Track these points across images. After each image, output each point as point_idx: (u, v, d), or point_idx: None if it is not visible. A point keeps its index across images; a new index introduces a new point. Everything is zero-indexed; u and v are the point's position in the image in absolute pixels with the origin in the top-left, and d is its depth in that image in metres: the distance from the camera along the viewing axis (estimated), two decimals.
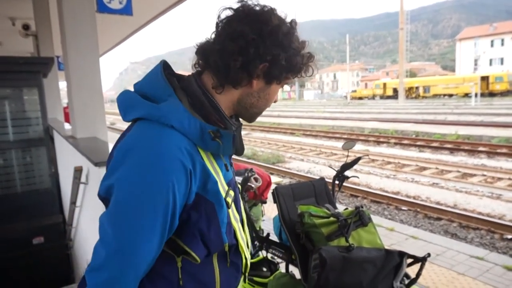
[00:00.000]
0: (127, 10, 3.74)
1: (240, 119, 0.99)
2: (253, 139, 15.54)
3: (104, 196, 0.78)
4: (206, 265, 0.89)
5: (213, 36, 0.86)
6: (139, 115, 0.81)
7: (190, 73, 0.92)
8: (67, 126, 4.43)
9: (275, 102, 0.95)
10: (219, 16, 0.85)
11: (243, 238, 0.98)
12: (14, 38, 7.45)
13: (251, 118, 0.95)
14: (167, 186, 0.74)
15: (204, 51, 0.87)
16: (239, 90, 0.88)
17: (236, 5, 0.85)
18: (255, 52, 0.82)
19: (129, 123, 0.86)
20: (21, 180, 4.38)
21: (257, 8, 0.84)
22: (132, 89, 0.88)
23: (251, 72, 0.84)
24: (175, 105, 0.81)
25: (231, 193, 0.90)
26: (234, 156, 1.00)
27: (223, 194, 0.86)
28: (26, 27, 6.40)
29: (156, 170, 0.73)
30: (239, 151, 0.91)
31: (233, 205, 0.91)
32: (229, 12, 0.85)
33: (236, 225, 0.93)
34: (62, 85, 7.94)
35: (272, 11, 0.85)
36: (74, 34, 3.17)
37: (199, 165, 0.80)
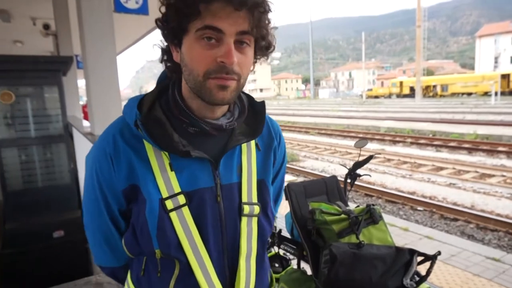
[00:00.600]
0: (143, 9, 3.81)
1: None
2: None
3: None
4: (156, 265, 0.81)
5: None
6: None
7: None
8: (85, 123, 4.55)
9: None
10: None
11: (203, 259, 0.79)
12: (35, 38, 7.67)
13: (202, 94, 0.75)
14: (92, 167, 0.82)
15: None
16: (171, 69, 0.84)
17: None
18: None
19: None
20: (42, 176, 4.52)
21: None
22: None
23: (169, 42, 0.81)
24: (139, 97, 0.83)
25: (181, 199, 0.77)
26: None
27: (163, 194, 0.77)
28: (46, 26, 6.58)
29: (90, 154, 0.84)
30: (164, 146, 0.76)
31: (184, 214, 0.77)
32: None
33: (187, 240, 0.77)
34: (81, 83, 8.13)
35: None
36: (92, 33, 3.26)
37: (124, 153, 0.77)
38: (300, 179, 8.25)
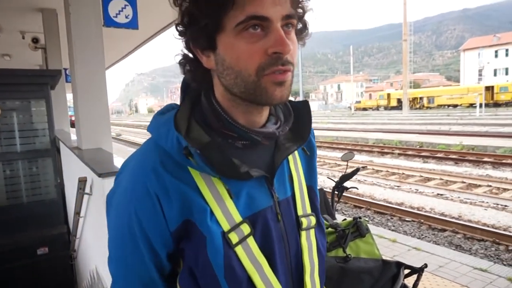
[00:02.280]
0: (133, 24, 3.84)
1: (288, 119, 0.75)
2: None
3: None
4: None
5: None
6: (148, 129, 0.71)
7: None
8: (73, 137, 4.51)
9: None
10: None
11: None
12: (23, 51, 7.63)
13: (250, 95, 0.64)
14: (127, 213, 0.64)
15: None
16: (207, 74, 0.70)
17: None
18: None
19: None
20: (27, 191, 4.44)
21: None
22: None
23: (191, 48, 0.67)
24: (169, 115, 0.68)
25: (245, 229, 0.66)
26: None
27: (224, 227, 0.64)
28: (35, 40, 6.56)
29: (119, 197, 0.67)
30: (228, 173, 0.64)
31: (250, 245, 0.67)
32: None
33: (258, 275, 0.67)
34: (70, 97, 8.08)
35: None
36: (81, 47, 3.26)
37: (173, 187, 0.63)
38: None
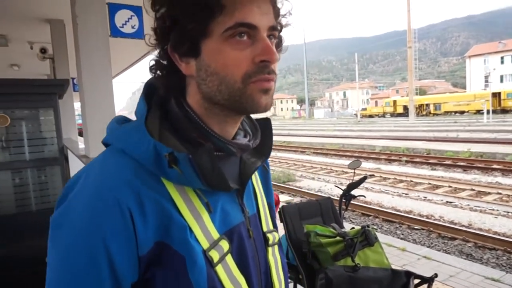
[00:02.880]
0: (139, 34, 3.89)
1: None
2: None
3: None
4: None
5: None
6: (104, 140, 0.66)
7: None
8: (81, 145, 4.55)
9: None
10: None
11: None
12: (32, 61, 7.75)
13: (234, 103, 0.61)
14: (91, 236, 0.53)
15: None
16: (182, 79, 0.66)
17: None
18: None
19: None
20: (35, 199, 4.47)
21: None
22: None
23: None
24: (137, 123, 0.62)
25: (224, 245, 0.61)
26: None
27: (204, 245, 0.58)
28: (43, 50, 6.66)
29: (80, 216, 0.54)
30: (216, 183, 0.59)
31: (229, 263, 0.62)
32: None
33: None
34: (77, 105, 8.17)
35: None
36: (88, 57, 3.30)
37: (151, 202, 0.55)
38: (297, 199, 8.20)
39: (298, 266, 1.66)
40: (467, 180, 9.05)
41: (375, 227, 6.26)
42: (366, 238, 1.67)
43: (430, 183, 8.79)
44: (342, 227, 1.83)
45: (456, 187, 8.23)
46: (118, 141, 0.62)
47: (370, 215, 6.82)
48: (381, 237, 5.03)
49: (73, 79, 6.70)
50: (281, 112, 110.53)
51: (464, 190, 7.99)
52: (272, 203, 0.82)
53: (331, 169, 11.70)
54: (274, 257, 0.75)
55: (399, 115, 47.89)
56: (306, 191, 8.77)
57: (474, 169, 10.31)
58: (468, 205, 7.06)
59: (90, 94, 3.35)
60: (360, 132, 24.44)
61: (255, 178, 0.78)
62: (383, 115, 52.16)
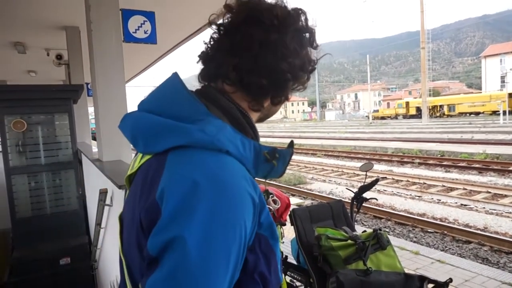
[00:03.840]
0: (151, 39, 3.95)
1: None
2: None
3: (157, 254, 0.56)
4: None
5: (235, 47, 0.71)
6: (179, 142, 0.63)
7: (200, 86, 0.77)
8: (94, 149, 4.63)
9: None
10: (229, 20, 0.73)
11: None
12: (48, 67, 7.93)
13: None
14: (240, 228, 0.59)
15: (233, 67, 0.71)
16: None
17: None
18: (296, 64, 0.74)
19: (151, 155, 0.68)
20: (50, 202, 4.56)
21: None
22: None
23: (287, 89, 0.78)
24: (222, 126, 0.65)
25: (278, 229, 0.70)
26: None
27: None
28: (59, 57, 6.81)
29: (230, 211, 0.58)
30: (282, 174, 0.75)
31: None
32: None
33: None
34: (91, 110, 8.31)
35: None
36: (102, 62, 3.37)
37: (259, 199, 0.64)
38: (308, 201, 8.16)
39: (309, 270, 1.65)
40: (482, 182, 8.87)
41: (387, 230, 6.18)
42: (378, 242, 1.65)
43: (444, 186, 8.65)
44: (353, 230, 1.82)
45: (471, 190, 8.07)
46: (219, 143, 0.63)
47: (382, 218, 6.74)
48: (393, 240, 4.96)
49: (87, 84, 6.83)
50: (292, 114, 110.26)
51: (479, 192, 7.83)
52: None
53: (343, 171, 11.61)
54: None
55: (412, 116, 47.23)
56: (317, 193, 8.73)
57: (490, 171, 10.10)
58: (484, 208, 6.91)
59: (103, 98, 3.41)
60: (372, 134, 24.19)
61: None
62: (396, 116, 51.53)
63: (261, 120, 0.81)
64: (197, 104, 0.67)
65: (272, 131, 38.60)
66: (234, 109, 0.72)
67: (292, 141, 0.77)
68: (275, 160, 0.69)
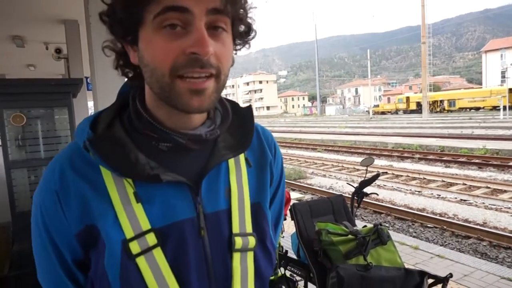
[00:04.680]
0: None
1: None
2: None
3: None
4: None
5: None
6: None
7: None
8: None
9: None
10: None
11: None
12: (47, 61, 7.89)
13: (170, 99, 0.58)
14: (37, 209, 0.63)
15: None
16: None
17: None
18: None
19: None
20: None
21: None
22: None
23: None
24: (96, 113, 0.67)
25: (150, 239, 0.58)
26: None
27: (127, 234, 0.58)
28: (58, 50, 6.77)
29: (35, 193, 0.66)
30: (124, 168, 0.59)
31: (157, 258, 0.59)
32: None
33: None
34: (91, 104, 8.29)
35: None
36: (102, 56, 3.33)
37: (75, 186, 0.60)
38: (308, 196, 8.18)
39: (309, 264, 1.66)
40: (482, 177, 8.88)
41: (387, 225, 6.20)
42: (378, 237, 1.66)
43: (443, 181, 8.66)
44: (354, 225, 1.82)
45: (470, 185, 8.08)
46: (75, 130, 0.67)
47: (382, 213, 6.75)
48: (393, 235, 4.98)
49: (86, 78, 6.80)
50: (292, 109, 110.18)
51: (479, 188, 7.84)
52: (263, 204, 0.71)
53: (343, 166, 11.62)
54: (244, 265, 0.65)
55: (412, 111, 47.20)
56: (318, 188, 8.74)
57: (490, 166, 10.11)
58: (483, 203, 6.93)
59: (103, 92, 3.39)
60: (372, 129, 24.18)
61: (236, 173, 0.69)
62: (396, 111, 51.49)
63: (165, 98, 0.61)
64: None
65: (272, 125, 38.59)
66: (124, 92, 0.72)
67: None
68: (91, 153, 0.60)
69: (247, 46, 0.67)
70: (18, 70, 9.93)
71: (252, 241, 0.66)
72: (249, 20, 0.63)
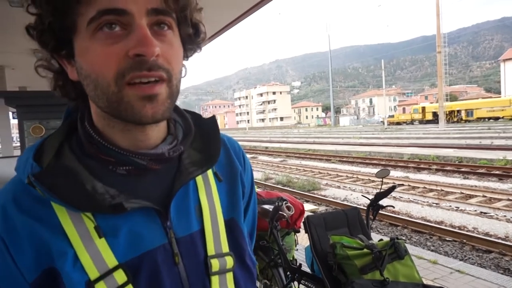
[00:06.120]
0: None
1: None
2: (288, 166, 15.47)
3: None
4: None
5: None
6: None
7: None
8: None
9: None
10: None
11: None
12: None
13: (114, 109, 0.53)
14: None
15: None
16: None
17: None
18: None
19: None
20: None
21: None
22: None
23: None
24: (34, 144, 0.58)
25: (119, 277, 0.52)
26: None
27: (91, 275, 0.51)
28: None
29: None
30: (82, 201, 0.52)
31: None
32: None
33: None
34: None
35: None
36: None
37: (25, 228, 0.51)
38: (322, 208, 8.07)
39: (323, 279, 1.62)
40: (503, 189, 8.60)
41: (403, 238, 6.04)
42: (395, 251, 1.61)
43: (462, 193, 8.42)
44: (369, 238, 1.77)
45: (491, 197, 7.83)
46: (16, 163, 0.57)
47: (399, 226, 6.60)
48: (410, 248, 4.84)
49: None
50: (306, 120, 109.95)
51: (500, 200, 7.59)
52: (238, 219, 0.66)
53: (358, 177, 11.45)
54: None
55: (428, 122, 46.43)
56: (332, 199, 8.61)
57: (511, 178, 9.79)
58: (505, 216, 6.69)
59: None
60: (387, 140, 23.85)
61: (205, 190, 0.64)
62: (411, 122, 50.76)
63: (114, 111, 0.54)
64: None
65: (286, 136, 38.52)
66: (72, 114, 0.65)
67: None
68: (37, 188, 0.52)
69: (198, 50, 0.62)
70: (39, 82, 10.27)
71: (230, 261, 0.62)
72: (196, 20, 0.58)
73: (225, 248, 0.62)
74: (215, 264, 0.59)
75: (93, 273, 0.51)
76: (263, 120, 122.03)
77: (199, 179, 0.64)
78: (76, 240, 0.52)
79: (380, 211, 2.23)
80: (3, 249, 0.51)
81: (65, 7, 0.49)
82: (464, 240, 5.59)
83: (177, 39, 0.55)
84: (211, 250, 0.60)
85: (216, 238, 0.62)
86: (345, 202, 8.33)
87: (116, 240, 0.53)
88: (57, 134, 0.58)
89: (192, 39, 0.59)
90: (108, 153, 0.56)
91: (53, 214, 0.53)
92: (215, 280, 0.59)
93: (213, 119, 0.68)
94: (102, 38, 0.49)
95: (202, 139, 0.65)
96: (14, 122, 10.07)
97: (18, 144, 4.43)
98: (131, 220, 0.55)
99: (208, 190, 0.64)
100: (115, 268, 0.52)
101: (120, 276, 0.52)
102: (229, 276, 0.61)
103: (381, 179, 2.24)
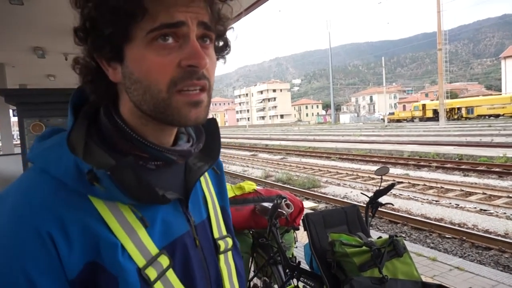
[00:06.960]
0: None
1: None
2: (288, 163, 15.48)
3: None
4: None
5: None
6: (27, 157, 0.59)
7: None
8: None
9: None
10: None
11: None
12: (66, 72, 8.12)
13: (163, 114, 0.57)
14: (13, 275, 0.48)
15: None
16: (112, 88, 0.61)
17: None
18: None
19: None
20: None
21: None
22: None
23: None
24: (60, 137, 0.58)
25: (163, 261, 0.58)
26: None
27: (139, 263, 0.54)
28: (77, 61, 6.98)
29: (1, 249, 0.49)
30: (146, 196, 0.56)
31: (170, 279, 0.58)
32: None
33: None
34: None
35: None
36: None
37: (74, 223, 0.51)
38: (322, 205, 8.09)
39: (322, 276, 1.62)
40: (503, 187, 8.61)
41: (403, 235, 6.06)
42: (394, 248, 1.61)
43: (462, 190, 8.43)
44: (368, 236, 1.78)
45: (491, 194, 7.84)
46: (38, 159, 0.56)
47: (398, 223, 6.61)
48: (409, 246, 4.86)
49: None
50: (306, 117, 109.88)
51: (499, 197, 7.60)
52: (226, 206, 0.81)
53: (357, 175, 11.46)
54: (227, 264, 0.74)
55: (429, 119, 46.42)
56: (331, 197, 8.63)
57: (511, 175, 9.80)
58: (505, 213, 6.70)
59: None
60: (387, 137, 23.84)
61: (205, 182, 0.76)
62: (412, 119, 50.74)
63: (160, 114, 0.58)
64: (69, 114, 0.64)
65: (286, 134, 38.51)
66: (98, 114, 0.64)
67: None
68: (98, 182, 0.51)
69: (222, 61, 0.68)
70: (39, 80, 10.25)
71: (230, 241, 0.76)
72: (227, 36, 0.65)
73: (224, 231, 0.76)
74: (222, 244, 0.73)
75: (140, 261, 0.55)
76: (263, 117, 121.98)
77: None
78: (120, 232, 0.55)
79: (380, 209, 2.24)
80: (49, 245, 0.49)
81: (128, 21, 0.53)
82: (464, 237, 5.61)
83: (213, 52, 0.60)
84: (216, 233, 0.73)
85: (218, 224, 0.75)
86: (345, 200, 8.34)
87: (151, 228, 0.58)
88: (80, 130, 0.59)
89: (220, 52, 0.65)
90: (144, 149, 0.60)
91: (93, 207, 0.54)
92: (222, 258, 0.72)
93: (213, 120, 0.75)
94: (157, 48, 0.53)
95: (206, 137, 0.72)
96: (14, 120, 10.08)
97: (18, 141, 4.43)
98: (163, 210, 0.61)
99: (206, 182, 0.76)
100: (158, 254, 0.57)
101: (164, 260, 0.58)
102: (229, 255, 0.76)
103: (380, 177, 2.24)
